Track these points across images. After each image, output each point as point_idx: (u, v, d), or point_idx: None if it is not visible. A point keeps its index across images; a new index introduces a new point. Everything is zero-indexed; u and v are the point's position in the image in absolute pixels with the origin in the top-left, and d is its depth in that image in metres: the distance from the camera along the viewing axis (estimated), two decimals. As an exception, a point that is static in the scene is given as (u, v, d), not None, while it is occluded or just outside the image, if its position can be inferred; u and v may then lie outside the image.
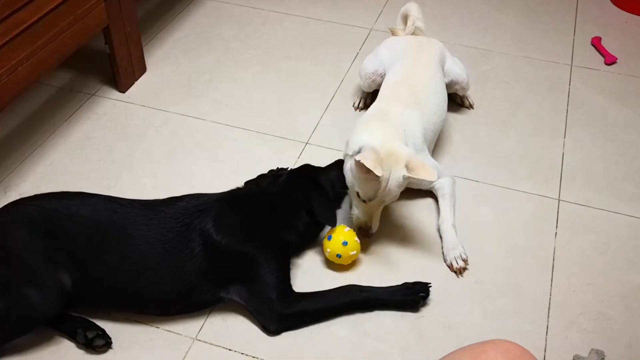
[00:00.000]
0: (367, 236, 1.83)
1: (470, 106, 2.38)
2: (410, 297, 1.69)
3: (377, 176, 1.65)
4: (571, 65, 2.59)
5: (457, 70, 2.24)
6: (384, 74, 2.19)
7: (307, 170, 1.90)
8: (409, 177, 1.71)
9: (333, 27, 2.82)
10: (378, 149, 1.71)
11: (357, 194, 1.77)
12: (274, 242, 1.69)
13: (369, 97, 2.36)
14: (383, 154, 1.70)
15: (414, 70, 2.10)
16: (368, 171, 1.65)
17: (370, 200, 1.75)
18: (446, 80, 2.20)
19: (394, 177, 1.71)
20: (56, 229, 1.59)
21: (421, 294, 1.70)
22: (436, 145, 2.16)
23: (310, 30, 2.80)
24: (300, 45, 2.71)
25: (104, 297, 1.64)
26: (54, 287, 1.54)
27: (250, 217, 1.70)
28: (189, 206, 1.68)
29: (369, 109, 2.00)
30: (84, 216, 1.62)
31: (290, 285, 1.69)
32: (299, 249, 1.83)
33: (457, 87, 2.27)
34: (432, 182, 1.94)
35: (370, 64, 2.26)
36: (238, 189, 1.82)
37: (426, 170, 1.70)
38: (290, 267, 1.76)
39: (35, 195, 1.73)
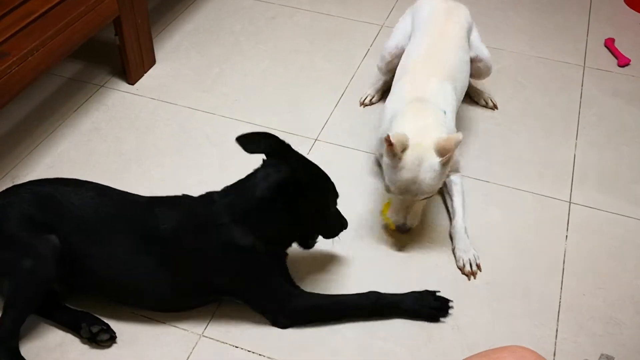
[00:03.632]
0: (403, 231, 1.80)
1: (495, 107, 2.33)
2: (430, 310, 1.66)
3: (399, 161, 1.62)
4: (584, 66, 2.57)
5: (481, 46, 2.14)
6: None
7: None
8: (444, 164, 1.65)
9: (344, 23, 2.80)
10: (408, 136, 1.65)
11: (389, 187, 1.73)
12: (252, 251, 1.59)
13: (378, 93, 2.34)
14: (413, 142, 1.65)
15: (442, 41, 1.99)
16: (394, 155, 1.63)
17: (402, 193, 1.71)
18: (470, 54, 2.10)
19: (426, 166, 1.65)
20: (49, 210, 1.59)
21: (441, 312, 1.67)
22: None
23: (321, 26, 2.78)
24: (310, 41, 2.69)
25: (97, 287, 1.64)
26: (48, 252, 1.53)
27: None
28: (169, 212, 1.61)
29: (399, 86, 1.92)
30: (75, 204, 1.61)
31: (293, 282, 1.66)
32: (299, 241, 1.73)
33: (480, 65, 2.15)
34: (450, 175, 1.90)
35: (392, 38, 2.18)
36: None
37: (454, 138, 1.63)
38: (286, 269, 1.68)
39: (30, 181, 1.74)
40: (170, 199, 1.66)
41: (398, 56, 2.13)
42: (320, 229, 1.69)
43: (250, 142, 1.52)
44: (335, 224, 1.71)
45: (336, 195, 1.67)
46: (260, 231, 1.55)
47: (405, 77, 1.94)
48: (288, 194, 1.54)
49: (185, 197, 1.65)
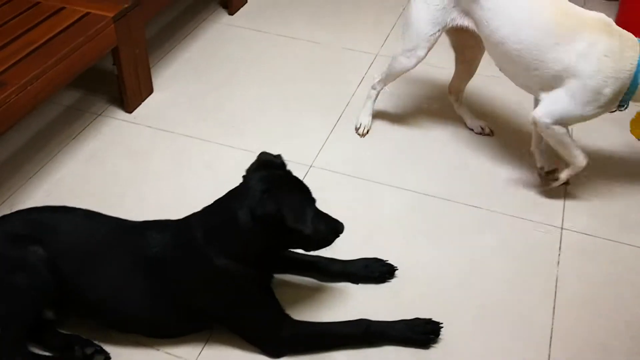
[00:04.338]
0: None
1: (491, 133, 2.38)
2: (421, 336, 1.66)
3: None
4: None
5: None
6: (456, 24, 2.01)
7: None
8: None
9: (340, 52, 2.85)
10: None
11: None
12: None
13: (370, 119, 2.36)
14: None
15: None
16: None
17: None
18: None
19: None
20: (39, 235, 1.60)
21: (432, 335, 1.67)
22: (438, 166, 2.17)
23: (317, 54, 2.83)
24: (306, 69, 2.73)
25: (88, 311, 1.65)
26: (38, 262, 1.54)
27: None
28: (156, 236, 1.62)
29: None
30: (65, 230, 1.63)
31: (281, 309, 1.65)
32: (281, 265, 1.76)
33: None
34: None
35: (426, 19, 2.02)
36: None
37: None
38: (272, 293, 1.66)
39: (18, 210, 1.77)
40: (158, 223, 1.67)
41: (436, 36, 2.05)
42: (308, 244, 1.63)
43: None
44: (326, 234, 1.61)
45: (313, 201, 1.60)
46: (241, 254, 1.54)
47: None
48: (270, 224, 1.51)
49: (170, 221, 1.67)
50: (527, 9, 1.87)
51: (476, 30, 2.01)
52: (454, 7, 2.01)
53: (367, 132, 2.37)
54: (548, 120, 1.91)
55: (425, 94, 2.59)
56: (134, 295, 1.60)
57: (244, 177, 1.62)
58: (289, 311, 1.67)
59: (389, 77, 2.29)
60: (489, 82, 2.53)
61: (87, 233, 1.65)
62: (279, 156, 1.65)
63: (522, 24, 1.86)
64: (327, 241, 1.63)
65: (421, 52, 2.11)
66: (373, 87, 2.35)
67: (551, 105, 1.90)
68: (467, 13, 2.00)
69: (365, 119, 2.38)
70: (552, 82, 1.87)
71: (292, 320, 1.65)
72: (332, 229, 1.61)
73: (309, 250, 1.68)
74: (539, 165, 2.15)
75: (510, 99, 2.56)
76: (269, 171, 1.59)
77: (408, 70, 2.20)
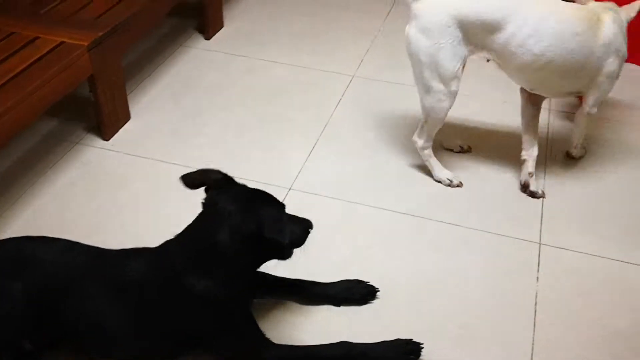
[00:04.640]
0: None
1: (469, 149, 2.41)
2: (402, 356, 1.66)
3: None
4: (550, 109, 2.64)
5: None
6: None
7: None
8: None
9: (316, 74, 2.87)
10: None
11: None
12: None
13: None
14: None
15: None
16: None
17: None
18: None
19: None
20: (17, 265, 1.58)
21: (412, 356, 1.67)
22: (416, 185, 2.18)
23: (293, 77, 2.85)
24: (284, 92, 2.75)
25: (68, 341, 1.63)
26: (16, 296, 1.52)
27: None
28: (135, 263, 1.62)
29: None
30: (43, 260, 1.61)
31: (261, 333, 1.64)
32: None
33: None
34: None
35: (449, 56, 2.00)
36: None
37: None
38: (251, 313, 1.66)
39: None
40: (138, 251, 1.67)
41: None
42: (286, 251, 1.65)
43: (194, 177, 1.60)
44: (299, 235, 1.63)
45: (284, 206, 1.62)
46: (222, 278, 1.54)
47: None
48: (253, 240, 1.52)
49: (149, 249, 1.66)
50: (558, 20, 1.99)
51: (496, 59, 2.06)
52: (465, 44, 2.01)
53: (460, 183, 2.26)
54: (596, 109, 2.16)
55: (401, 114, 2.61)
56: (115, 324, 1.58)
57: (207, 199, 1.61)
58: (270, 335, 1.66)
59: (434, 129, 2.18)
60: (462, 100, 2.56)
61: (66, 263, 1.63)
62: (219, 171, 1.62)
63: (564, 36, 1.97)
64: (301, 241, 1.65)
65: (455, 88, 2.07)
66: (423, 148, 2.22)
67: (598, 94, 2.12)
68: (482, 47, 2.03)
69: (444, 174, 2.26)
70: (596, 72, 2.06)
71: (273, 344, 1.64)
72: (304, 228, 1.66)
73: (285, 257, 1.67)
74: (530, 171, 2.21)
75: (485, 115, 2.60)
76: (230, 188, 1.59)
77: (449, 110, 2.12)
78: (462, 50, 2.01)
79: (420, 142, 2.22)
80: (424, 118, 2.16)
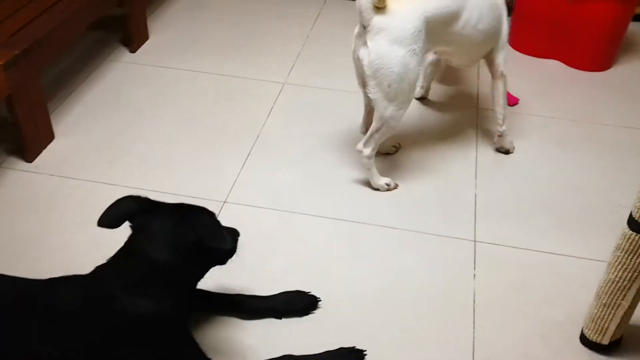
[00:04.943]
0: None
1: (397, 149, 2.43)
2: None
3: None
4: (477, 107, 2.70)
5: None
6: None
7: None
8: None
9: (246, 83, 2.83)
10: None
11: None
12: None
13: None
14: None
15: None
16: None
17: None
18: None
19: None
20: None
21: None
22: (350, 191, 2.18)
23: (223, 87, 2.81)
24: (214, 102, 2.71)
25: None
26: None
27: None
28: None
29: None
30: None
31: (201, 351, 1.60)
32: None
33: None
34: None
35: (414, 64, 2.00)
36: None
37: None
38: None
39: None
40: (67, 279, 1.60)
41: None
42: (224, 258, 1.63)
43: (111, 215, 1.52)
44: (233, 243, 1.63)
45: (213, 214, 1.60)
46: (160, 297, 1.50)
47: None
48: (192, 252, 1.50)
49: (79, 276, 1.60)
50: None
51: (446, 49, 2.25)
52: (426, 44, 2.04)
53: (396, 184, 2.28)
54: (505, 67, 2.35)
55: (335, 120, 2.61)
56: (51, 356, 1.51)
57: (135, 223, 1.56)
58: (210, 353, 1.62)
59: (384, 137, 2.16)
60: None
61: (10, 301, 1.54)
62: (134, 196, 1.57)
63: (491, 4, 2.19)
64: (233, 249, 1.63)
65: (413, 95, 2.16)
66: (369, 157, 2.17)
67: (505, 49, 2.32)
68: (436, 43, 2.13)
69: (383, 180, 2.25)
70: (500, 27, 2.26)
71: None
72: (233, 235, 1.64)
73: (223, 263, 1.64)
74: (504, 126, 2.40)
75: (410, 118, 2.63)
76: (155, 209, 1.55)
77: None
78: (424, 51, 2.06)
79: (366, 151, 2.16)
80: (376, 127, 2.11)
